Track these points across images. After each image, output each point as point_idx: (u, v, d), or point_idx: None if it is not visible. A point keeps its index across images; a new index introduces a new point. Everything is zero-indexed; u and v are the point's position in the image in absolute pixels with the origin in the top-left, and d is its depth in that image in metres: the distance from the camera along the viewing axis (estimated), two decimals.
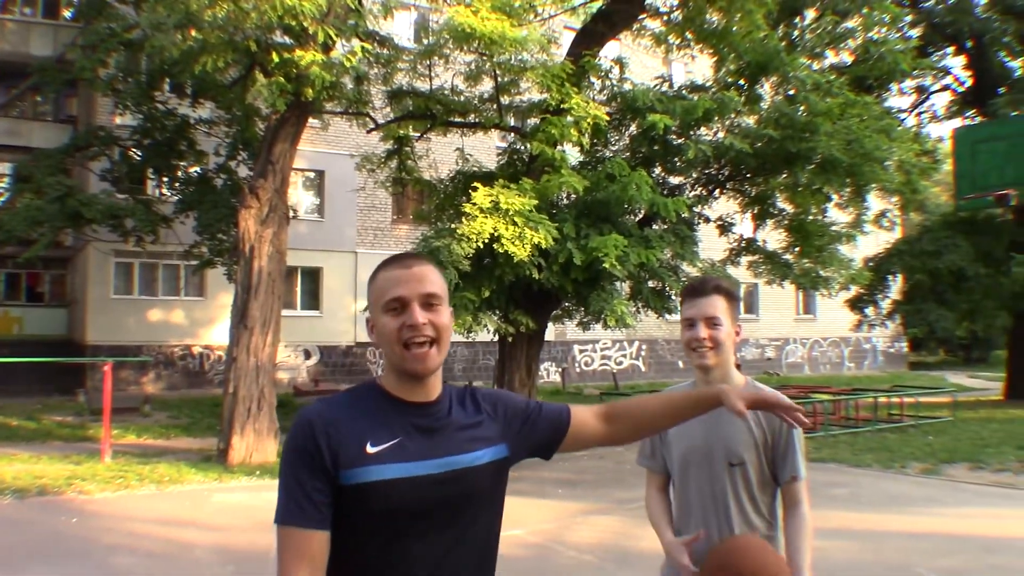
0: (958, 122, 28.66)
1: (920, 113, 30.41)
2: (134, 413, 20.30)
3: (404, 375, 2.14)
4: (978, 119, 26.23)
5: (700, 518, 3.11)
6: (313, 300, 29.29)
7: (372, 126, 18.13)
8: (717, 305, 3.11)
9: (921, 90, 29.64)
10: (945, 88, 29.65)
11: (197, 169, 21.81)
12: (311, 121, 18.00)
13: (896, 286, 28.59)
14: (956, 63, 29.35)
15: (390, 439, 2.09)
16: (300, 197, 28.81)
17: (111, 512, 10.31)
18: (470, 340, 17.82)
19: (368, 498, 2.04)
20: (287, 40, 13.72)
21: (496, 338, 16.10)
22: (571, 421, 2.44)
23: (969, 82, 28.15)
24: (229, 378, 13.92)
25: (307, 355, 28.67)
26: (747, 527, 3.05)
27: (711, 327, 3.10)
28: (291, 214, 16.01)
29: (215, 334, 26.44)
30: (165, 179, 22.19)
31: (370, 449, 2.06)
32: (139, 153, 21.41)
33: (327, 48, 13.38)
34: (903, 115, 28.54)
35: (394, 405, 2.15)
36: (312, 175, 29.29)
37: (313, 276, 29.15)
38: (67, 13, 28.23)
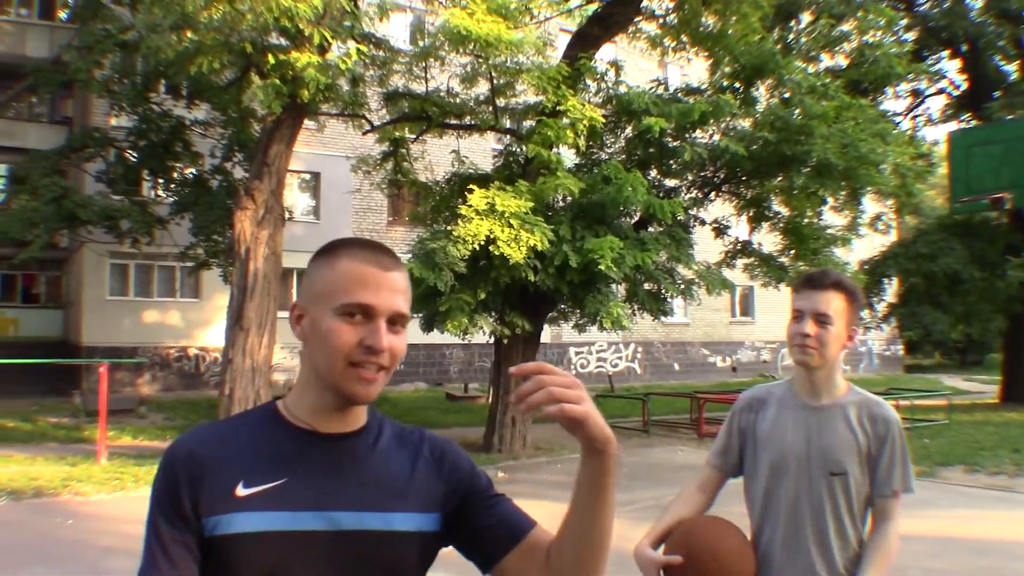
0: (953, 125, 28.77)
1: (915, 116, 30.53)
2: (130, 414, 20.29)
3: (334, 396, 1.67)
4: (973, 123, 26.30)
5: (789, 529, 2.92)
6: None
7: (368, 128, 18.15)
8: (831, 302, 2.88)
9: (916, 93, 29.73)
10: (940, 92, 29.75)
11: (193, 170, 21.84)
12: (307, 123, 18.00)
13: (891, 289, 28.64)
14: (951, 67, 29.46)
15: (272, 479, 1.63)
16: (296, 199, 28.81)
17: (106, 514, 10.31)
18: (466, 342, 17.83)
19: (230, 556, 1.58)
20: (283, 42, 13.77)
21: (492, 340, 16.10)
22: (528, 537, 1.76)
23: (964, 86, 28.25)
24: (225, 380, 13.93)
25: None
26: (842, 541, 2.89)
27: (820, 324, 2.87)
28: (287, 216, 16.03)
29: (211, 336, 26.43)
30: (161, 180, 22.18)
31: (240, 491, 1.60)
32: (134, 154, 21.43)
33: (323, 50, 13.41)
34: (898, 118, 28.60)
35: (293, 434, 1.69)
36: (308, 177, 29.30)
37: None
38: (63, 14, 28.27)
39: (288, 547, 1.59)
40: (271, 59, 12.83)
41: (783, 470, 2.93)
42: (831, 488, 2.86)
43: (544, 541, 1.75)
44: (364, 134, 18.65)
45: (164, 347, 26.66)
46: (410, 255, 14.52)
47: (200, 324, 27.07)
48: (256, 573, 1.58)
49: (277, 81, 12.86)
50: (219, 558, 1.58)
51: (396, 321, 1.66)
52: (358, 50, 13.90)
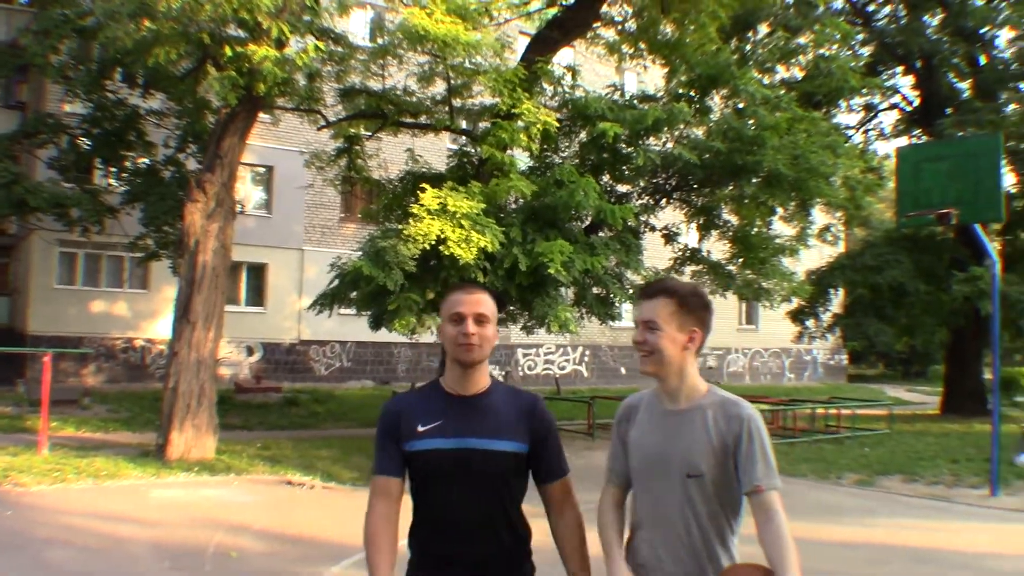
0: (905, 141, 29.12)
1: (867, 130, 30.87)
2: (73, 405, 20.05)
3: (456, 364, 3.01)
4: (924, 138, 26.67)
5: (656, 536, 2.97)
6: (258, 296, 29.10)
7: (323, 123, 18.09)
8: (657, 308, 2.97)
9: (869, 108, 30.07)
10: (893, 107, 30.10)
11: (146, 160, 21.58)
12: (261, 116, 17.89)
13: (837, 300, 28.99)
14: (905, 82, 29.85)
15: (435, 421, 2.96)
16: (248, 192, 28.61)
17: (47, 505, 10.19)
18: (413, 341, 17.80)
19: (414, 461, 2.96)
20: (241, 34, 13.65)
21: (440, 340, 16.12)
22: (545, 486, 3.14)
23: (917, 102, 28.60)
24: (170, 372, 13.79)
25: (250, 352, 28.46)
26: (705, 545, 2.90)
27: (648, 331, 2.98)
28: (238, 209, 15.94)
29: (158, 328, 26.17)
30: (113, 169, 21.90)
31: (420, 428, 2.95)
32: (88, 142, 21.16)
33: (281, 44, 13.33)
34: (850, 132, 28.94)
35: (446, 395, 3.03)
36: (261, 170, 29.09)
37: (259, 272, 28.97)
38: None
39: (443, 457, 2.92)
40: (228, 51, 12.73)
41: (645, 474, 3.01)
42: (689, 490, 2.89)
43: (551, 493, 3.14)
44: (319, 129, 18.59)
45: (110, 338, 26.36)
46: (360, 253, 14.50)
47: (147, 316, 26.80)
48: (429, 472, 2.95)
49: (233, 73, 12.77)
50: (410, 463, 2.97)
51: (480, 319, 2.98)
52: (316, 45, 13.84)
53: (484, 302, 3.01)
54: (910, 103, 29.18)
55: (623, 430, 3.15)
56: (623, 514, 3.15)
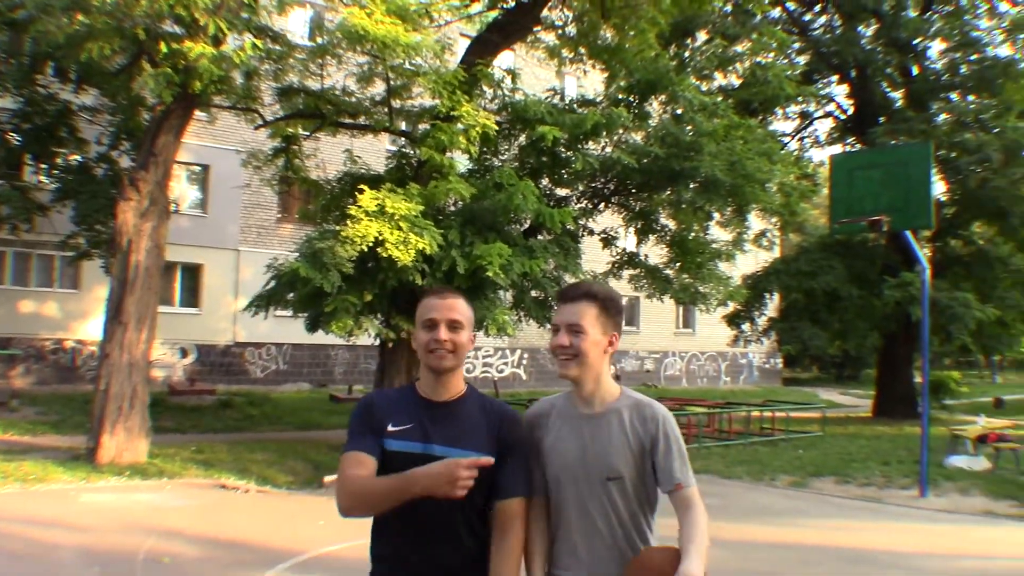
0: (838, 148, 29.62)
1: (803, 138, 31.37)
2: (1, 408, 19.65)
3: (429, 371, 2.98)
4: (857, 147, 27.14)
5: (578, 541, 2.95)
6: (193, 297, 28.66)
7: (260, 122, 17.88)
8: (583, 312, 2.98)
9: (805, 116, 30.54)
10: (828, 115, 30.62)
11: (78, 157, 21.19)
12: (198, 114, 17.64)
13: (773, 304, 29.35)
14: (840, 91, 30.34)
15: (406, 423, 2.94)
16: (183, 191, 28.21)
17: None
18: (351, 344, 17.65)
19: (387, 460, 2.89)
20: (177, 30, 13.46)
21: (377, 343, 16.03)
22: (507, 498, 2.95)
23: (851, 110, 29.13)
24: (101, 375, 13.55)
25: (184, 353, 28.04)
26: (628, 544, 2.93)
27: (572, 335, 2.98)
28: (173, 208, 15.70)
29: (89, 328, 25.68)
30: (43, 166, 21.48)
31: (390, 428, 2.93)
32: (17, 138, 20.72)
33: (217, 41, 13.15)
34: (786, 139, 29.38)
35: (419, 399, 3.00)
36: (197, 169, 28.69)
37: (193, 273, 28.55)
38: None
39: (410, 461, 2.83)
40: (164, 47, 12.53)
41: (564, 481, 2.98)
42: (610, 493, 2.92)
43: (500, 511, 2.94)
44: (256, 129, 18.38)
45: (40, 339, 25.81)
46: (297, 254, 14.37)
47: (78, 316, 26.28)
48: (395, 471, 2.82)
49: (169, 70, 12.58)
50: (383, 460, 2.90)
51: (453, 325, 2.95)
52: (254, 43, 13.67)
53: (458, 307, 2.99)
54: (844, 111, 29.70)
55: (536, 438, 3.09)
56: (546, 524, 3.07)
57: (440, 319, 2.94)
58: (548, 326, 18.08)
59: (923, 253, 14.87)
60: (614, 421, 2.98)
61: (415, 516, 2.85)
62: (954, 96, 27.07)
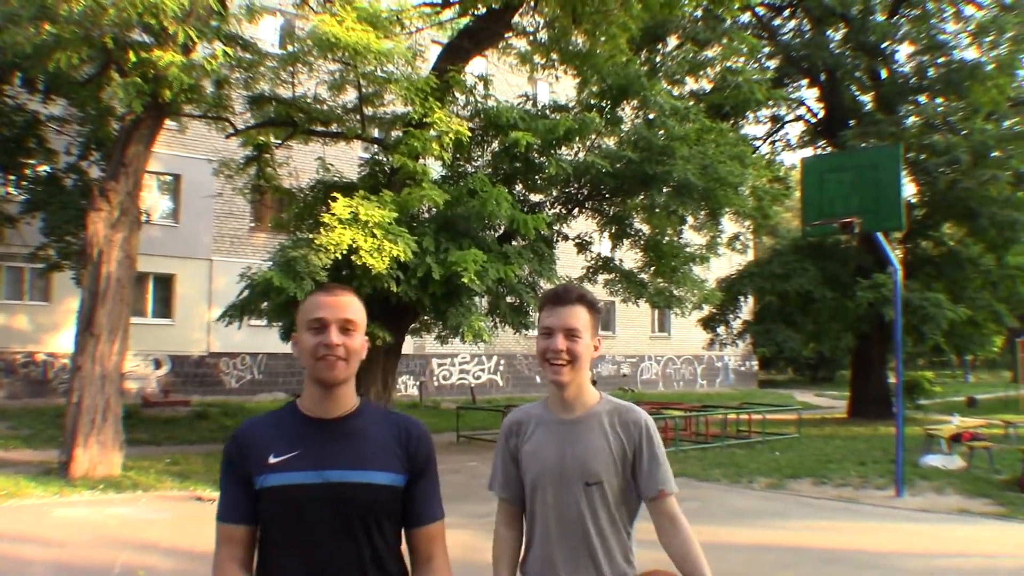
0: (809, 151, 29.79)
1: (774, 142, 31.54)
2: None
3: (318, 384, 2.49)
4: (828, 149, 27.28)
5: (555, 548, 2.87)
6: (165, 308, 28.46)
7: (232, 131, 17.81)
8: (579, 316, 2.88)
9: (776, 119, 30.72)
10: (799, 119, 30.80)
11: (47, 168, 21.01)
12: (168, 123, 17.54)
13: (747, 307, 29.45)
14: (810, 95, 30.57)
15: (292, 451, 2.44)
16: (154, 201, 28.02)
17: None
18: None
19: (270, 502, 2.41)
20: (146, 39, 13.37)
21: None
22: (427, 524, 2.59)
23: (821, 113, 29.30)
24: (73, 387, 13.42)
25: (157, 364, 27.84)
26: (605, 550, 2.85)
27: (570, 339, 2.86)
28: (144, 218, 15.58)
29: (60, 341, 25.44)
30: (12, 177, 21.28)
31: (272, 460, 2.43)
32: None
33: (187, 49, 13.09)
34: (758, 143, 29.53)
35: (304, 420, 2.51)
36: (168, 179, 28.53)
37: (166, 283, 28.36)
38: None
39: (301, 494, 2.39)
40: (133, 56, 12.44)
41: (541, 486, 2.90)
42: (589, 498, 2.85)
43: (419, 539, 2.58)
44: (228, 137, 18.31)
45: (10, 352, 25.55)
46: (271, 263, 14.30)
47: (49, 328, 26.03)
48: (283, 513, 2.41)
49: (138, 79, 12.49)
50: (263, 503, 2.42)
51: (346, 326, 2.48)
52: (224, 51, 13.61)
53: (351, 306, 2.50)
54: (815, 115, 29.90)
55: (512, 445, 3.03)
56: (516, 534, 3.06)
57: (330, 319, 2.46)
58: (525, 332, 18.12)
59: (894, 254, 14.95)
60: (595, 426, 2.91)
61: (314, 561, 2.40)
62: (922, 99, 27.26)
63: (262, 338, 25.91)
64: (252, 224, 30.01)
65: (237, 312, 15.34)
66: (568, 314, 2.89)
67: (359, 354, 2.51)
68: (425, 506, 2.57)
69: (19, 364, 25.69)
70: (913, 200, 26.54)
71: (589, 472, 2.85)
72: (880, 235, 13.79)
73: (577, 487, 2.85)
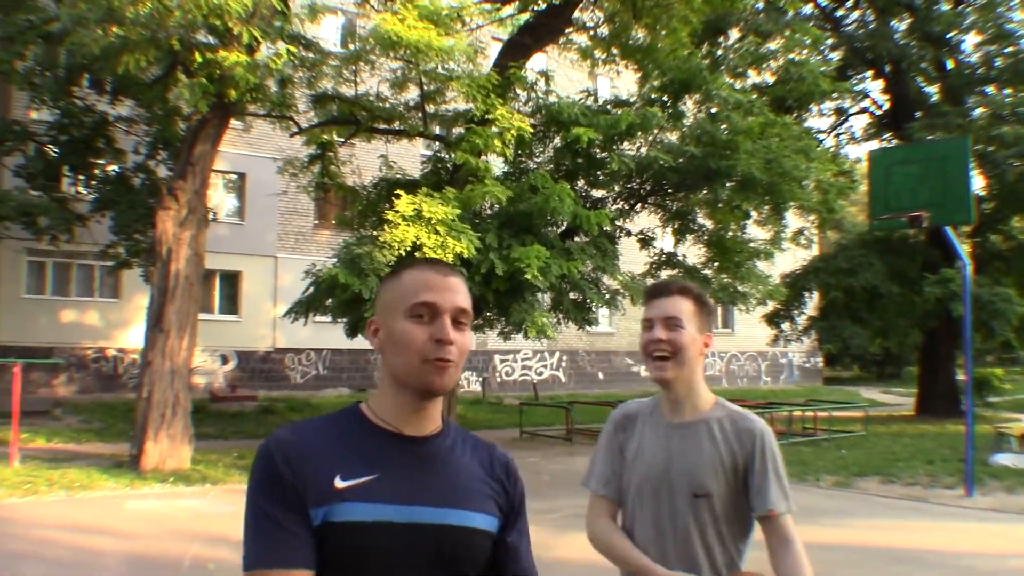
0: (875, 144, 29.34)
1: (838, 134, 31.11)
2: (44, 417, 19.85)
3: (414, 392, 1.81)
4: (894, 142, 26.89)
5: (658, 559, 2.63)
6: (232, 304, 28.85)
7: (295, 130, 17.99)
8: (680, 306, 2.68)
9: (840, 112, 30.29)
10: (863, 111, 30.36)
11: (115, 168, 21.38)
12: (233, 123, 17.77)
13: (812, 302, 29.13)
14: (875, 87, 30.19)
15: (367, 473, 1.74)
16: (220, 199, 28.41)
17: (19, 518, 10.05)
18: None
19: (333, 543, 1.69)
20: (211, 40, 13.55)
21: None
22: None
23: (887, 105, 28.86)
24: (143, 382, 13.66)
25: (224, 360, 28.21)
26: (711, 566, 2.62)
27: (671, 329, 2.65)
28: (211, 216, 15.80)
29: (130, 337, 25.91)
30: (81, 177, 21.69)
31: (339, 484, 1.71)
32: (55, 149, 20.94)
33: (251, 49, 13.25)
34: (822, 136, 29.12)
35: (379, 434, 1.82)
36: (233, 177, 28.91)
37: (232, 280, 28.74)
38: None
39: (381, 535, 1.71)
40: (198, 57, 12.63)
41: (645, 494, 2.68)
42: (696, 511, 2.62)
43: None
44: (292, 136, 18.49)
45: (81, 348, 26.07)
46: (335, 260, 14.42)
47: (119, 325, 26.53)
48: (357, 559, 1.70)
49: (204, 80, 12.67)
50: (326, 545, 1.69)
51: (460, 319, 1.83)
52: (288, 51, 13.76)
53: (464, 291, 1.86)
54: (880, 107, 29.45)
55: (620, 439, 2.81)
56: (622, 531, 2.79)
57: (445, 307, 1.81)
58: (588, 328, 18.10)
59: (963, 248, 14.68)
60: (704, 433, 2.68)
61: None
62: (990, 89, 26.74)
63: (327, 334, 26.16)
64: (316, 222, 30.28)
65: (302, 309, 15.49)
66: (668, 304, 2.69)
67: (466, 353, 1.85)
68: (525, 560, 1.98)
69: (90, 360, 26.20)
70: (981, 193, 26.05)
71: (697, 484, 2.62)
72: (949, 229, 13.57)
73: (684, 499, 2.63)
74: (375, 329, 1.90)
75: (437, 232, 13.43)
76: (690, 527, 2.62)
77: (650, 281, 18.52)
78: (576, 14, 17.67)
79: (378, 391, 1.90)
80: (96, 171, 21.35)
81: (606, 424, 2.90)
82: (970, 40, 27.61)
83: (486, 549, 1.87)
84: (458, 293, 1.83)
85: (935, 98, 27.72)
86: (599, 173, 17.43)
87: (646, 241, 19.87)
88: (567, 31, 18.18)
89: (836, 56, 28.60)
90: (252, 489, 1.76)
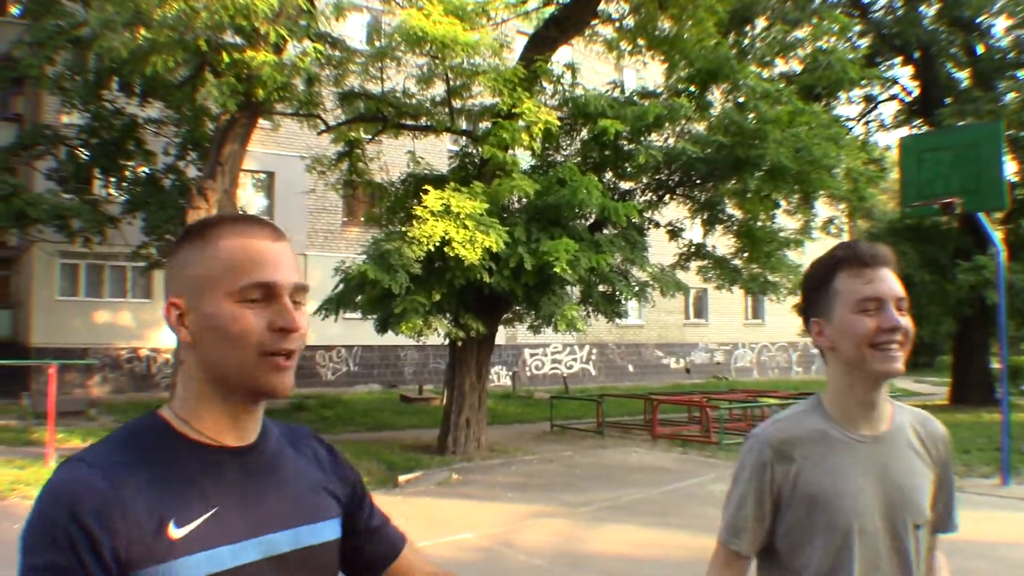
0: (905, 131, 29.11)
1: (868, 122, 30.93)
2: (79, 417, 20.02)
3: (244, 395, 1.49)
4: (925, 129, 26.67)
5: None
6: None
7: (323, 128, 18.05)
8: (899, 282, 2.12)
9: (869, 99, 30.11)
10: (892, 98, 30.15)
11: (145, 169, 21.59)
12: (261, 122, 17.87)
13: None
14: (904, 73, 30.01)
15: (202, 509, 1.38)
16: (249, 198, 28.60)
17: None
18: (421, 344, 17.69)
19: None
20: (238, 40, 13.63)
21: (447, 342, 16.08)
22: (400, 557, 1.74)
23: (916, 92, 28.66)
24: (176, 382, 13.76)
25: None
26: None
27: (900, 312, 2.07)
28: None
29: (163, 337, 26.13)
30: (112, 179, 21.94)
31: (175, 532, 1.34)
32: (86, 152, 21.17)
33: (278, 49, 13.32)
34: (851, 123, 28.96)
35: (198, 450, 1.45)
36: (262, 176, 29.09)
37: None
38: (15, 9, 27.82)
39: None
40: (226, 57, 12.72)
41: (855, 534, 2.04)
42: (918, 547, 2.10)
43: (412, 563, 1.74)
44: (319, 134, 18.55)
45: (115, 348, 26.33)
46: (364, 256, 14.47)
47: (152, 325, 26.75)
48: None
49: (232, 80, 12.76)
50: None
51: (297, 297, 1.51)
52: (314, 49, 13.82)
53: (296, 259, 1.57)
54: (909, 93, 29.23)
55: (779, 475, 2.10)
56: None
57: (284, 285, 1.51)
58: (616, 321, 18.05)
59: (997, 235, 14.54)
60: (904, 443, 2.15)
61: None
62: (1021, 74, 26.48)
63: (357, 330, 26.31)
64: (345, 219, 30.43)
65: (333, 305, 15.54)
66: (893, 280, 2.10)
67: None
68: (396, 530, 1.80)
69: (123, 360, 26.47)
70: (1014, 179, 25.79)
71: (917, 510, 2.09)
72: (982, 215, 13.44)
73: (905, 532, 2.08)
74: (179, 315, 1.47)
75: (466, 227, 13.44)
76: (910, 564, 2.09)
77: (679, 272, 18.43)
78: (601, 6, 17.60)
79: (183, 394, 1.51)
80: (127, 173, 21.58)
81: (747, 457, 2.17)
82: (1000, 24, 27.43)
83: (337, 556, 1.60)
84: (293, 264, 1.52)
85: (965, 84, 27.48)
86: (627, 165, 17.34)
87: (675, 232, 19.78)
88: (592, 23, 18.11)
89: (864, 43, 28.41)
90: (28, 551, 1.31)
